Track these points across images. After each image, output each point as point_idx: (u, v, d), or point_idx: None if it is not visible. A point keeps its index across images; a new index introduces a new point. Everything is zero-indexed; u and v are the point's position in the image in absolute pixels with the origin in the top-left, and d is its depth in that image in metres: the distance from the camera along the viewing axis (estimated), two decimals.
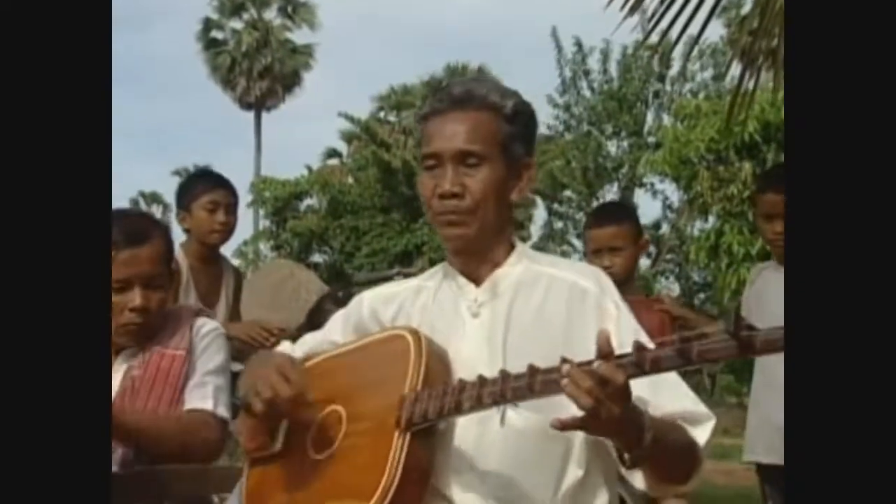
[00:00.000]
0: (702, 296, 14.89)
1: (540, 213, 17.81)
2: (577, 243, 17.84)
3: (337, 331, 1.55)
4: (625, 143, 15.61)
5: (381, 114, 20.43)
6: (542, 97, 15.47)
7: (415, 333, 1.36)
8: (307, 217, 18.70)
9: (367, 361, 1.43)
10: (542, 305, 1.37)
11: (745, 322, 1.03)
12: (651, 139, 14.86)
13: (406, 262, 16.85)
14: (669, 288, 15.32)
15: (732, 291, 8.62)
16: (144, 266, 1.79)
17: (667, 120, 14.14)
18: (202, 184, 2.84)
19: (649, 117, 15.52)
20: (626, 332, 1.32)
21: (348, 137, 20.95)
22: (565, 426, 1.14)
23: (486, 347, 1.36)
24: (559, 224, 17.16)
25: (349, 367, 1.47)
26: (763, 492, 2.92)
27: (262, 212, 20.13)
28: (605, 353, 1.11)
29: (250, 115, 27.91)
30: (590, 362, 1.11)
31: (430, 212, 1.40)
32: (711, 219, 9.99)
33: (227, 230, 2.81)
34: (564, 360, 1.13)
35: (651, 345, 1.28)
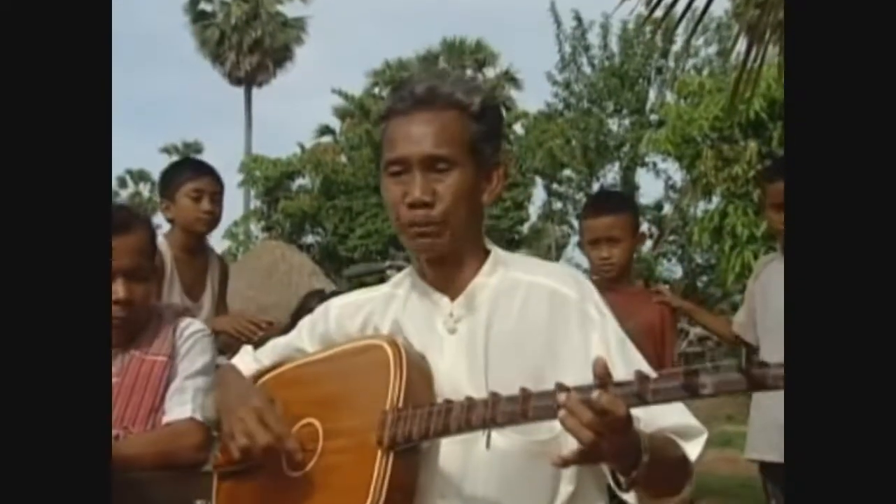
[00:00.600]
0: (705, 278, 14.89)
1: (539, 193, 17.80)
2: (577, 224, 17.80)
3: (304, 339, 1.52)
4: (626, 121, 15.58)
5: (376, 90, 20.30)
6: (542, 74, 15.43)
7: (393, 344, 1.33)
8: (299, 197, 18.66)
9: (343, 372, 1.40)
10: (522, 316, 1.33)
11: (756, 359, 1.03)
12: (654, 117, 14.85)
13: (401, 244, 16.76)
14: (672, 270, 15.33)
15: (736, 274, 8.60)
16: (126, 257, 1.76)
17: (670, 97, 14.06)
18: (186, 171, 2.82)
19: (652, 94, 15.49)
20: (613, 341, 1.30)
21: (342, 114, 20.85)
22: (567, 463, 1.12)
23: (466, 364, 1.33)
24: (558, 204, 17.15)
25: (323, 376, 1.43)
26: (766, 490, 2.92)
27: (252, 191, 20.08)
28: (603, 381, 1.08)
29: (240, 90, 27.75)
30: (587, 389, 1.08)
31: (398, 221, 1.35)
32: (715, 199, 9.93)
33: (213, 219, 2.78)
34: (561, 388, 1.10)
35: (639, 357, 1.30)
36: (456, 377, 1.32)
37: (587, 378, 1.10)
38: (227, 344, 2.64)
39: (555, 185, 16.65)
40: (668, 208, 15.86)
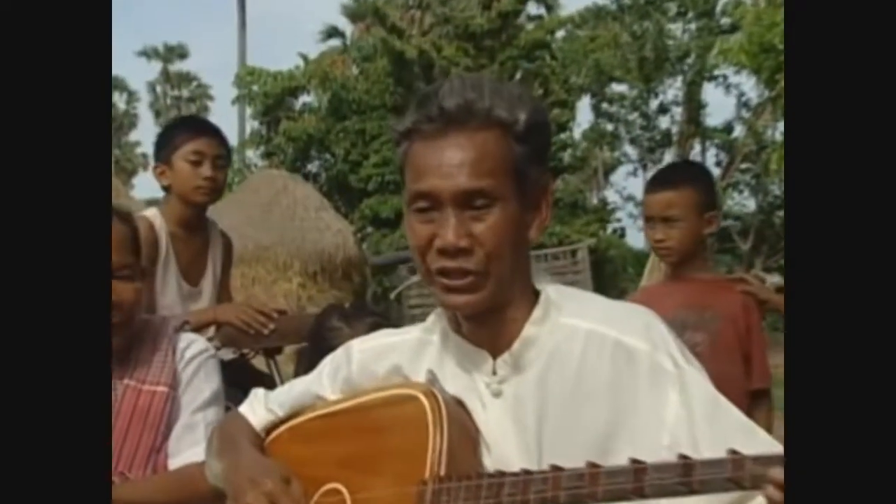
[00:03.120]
0: (782, 214, 14.66)
1: (585, 113, 17.52)
2: (631, 151, 17.66)
3: (325, 385, 1.49)
4: (692, 26, 15.28)
5: None
6: None
7: (430, 394, 1.29)
8: (304, 118, 18.62)
9: (372, 427, 1.38)
10: (580, 375, 1.28)
11: None
12: (725, 21, 14.55)
13: None
14: (743, 204, 15.12)
15: None
16: (112, 253, 1.73)
17: None
18: (185, 131, 2.72)
19: None
20: (698, 399, 1.24)
21: (352, 14, 20.53)
22: None
23: (515, 433, 1.30)
24: (608, 126, 16.96)
25: (348, 432, 1.41)
26: None
27: (249, 110, 20.01)
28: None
29: None
30: (670, 468, 1.04)
31: (425, 267, 1.29)
32: None
33: (214, 187, 2.68)
34: (636, 463, 1.06)
35: (735, 417, 1.22)
36: (503, 447, 1.30)
37: (664, 447, 1.12)
38: (231, 337, 2.59)
39: (604, 104, 16.42)
40: (739, 130, 15.68)
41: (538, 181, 1.30)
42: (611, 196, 20.23)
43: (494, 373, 1.32)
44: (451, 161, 1.25)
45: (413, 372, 1.40)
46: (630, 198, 18.30)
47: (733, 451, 1.02)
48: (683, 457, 1.00)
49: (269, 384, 2.51)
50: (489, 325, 1.32)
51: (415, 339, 1.42)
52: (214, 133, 2.74)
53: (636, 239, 20.70)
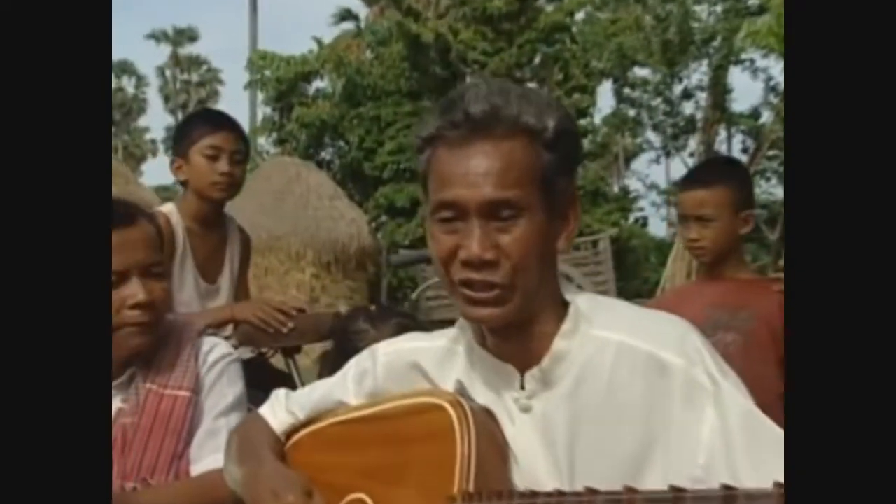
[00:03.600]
0: None
1: (606, 98, 17.44)
2: (654, 137, 17.57)
3: (349, 390, 1.49)
4: (718, 9, 15.15)
5: None
6: None
7: (457, 405, 1.28)
8: (317, 103, 18.62)
9: (396, 436, 1.36)
10: (612, 391, 1.27)
11: None
12: (753, 2, 14.43)
13: None
14: (771, 193, 15.00)
15: None
16: (140, 251, 1.76)
17: None
18: (201, 125, 2.72)
19: None
20: (735, 416, 1.22)
21: None
22: None
23: (544, 449, 1.29)
24: (631, 111, 16.87)
25: (373, 440, 1.40)
26: None
27: (261, 96, 20.02)
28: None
29: None
30: (711, 495, 1.00)
31: (448, 279, 1.28)
32: None
33: (232, 183, 2.69)
34: (675, 491, 1.03)
35: (774, 435, 1.19)
36: (531, 464, 1.29)
37: (699, 466, 1.14)
38: (249, 336, 2.59)
39: (626, 89, 16.32)
40: (767, 116, 15.55)
41: (566, 190, 1.29)
42: (633, 184, 20.16)
43: (522, 387, 1.31)
44: (476, 170, 1.24)
45: (439, 380, 1.39)
46: (653, 186, 18.25)
47: (778, 483, 0.99)
48: (726, 487, 0.99)
49: (288, 384, 2.50)
50: (516, 340, 1.31)
51: (442, 347, 1.42)
52: (232, 127, 2.75)
53: (658, 228, 20.62)
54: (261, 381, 2.17)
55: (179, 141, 2.74)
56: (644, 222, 21.49)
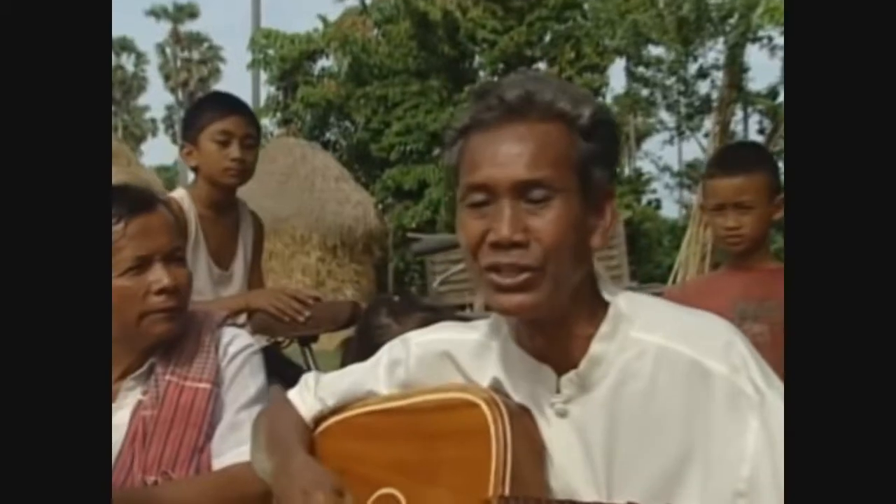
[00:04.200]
0: None
1: (618, 78, 17.35)
2: (667, 118, 17.48)
3: (380, 379, 1.49)
4: None
5: None
6: None
7: (492, 403, 1.27)
8: (323, 83, 18.52)
9: (429, 432, 1.36)
10: (651, 397, 1.25)
11: None
12: None
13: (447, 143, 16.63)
14: None
15: None
16: (162, 236, 1.79)
17: None
18: (211, 109, 2.76)
19: None
20: (778, 427, 1.19)
21: None
22: None
23: (581, 455, 1.29)
24: (644, 91, 16.73)
25: (404, 433, 1.39)
26: None
27: (265, 76, 19.94)
28: None
29: None
30: None
31: (476, 265, 1.26)
32: None
33: (243, 169, 2.71)
34: None
35: None
36: (567, 470, 1.29)
37: (742, 479, 1.14)
38: (264, 325, 2.60)
39: (640, 69, 16.20)
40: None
41: (603, 184, 1.28)
42: (645, 166, 20.09)
43: (559, 391, 1.30)
44: (508, 151, 1.23)
45: (473, 373, 1.39)
46: (666, 168, 18.19)
47: None
48: None
49: (302, 374, 2.51)
50: (552, 339, 1.29)
51: (475, 341, 1.41)
52: (243, 111, 2.75)
53: (671, 210, 20.56)
54: (275, 371, 2.19)
55: (189, 126, 2.75)
56: (657, 205, 21.44)
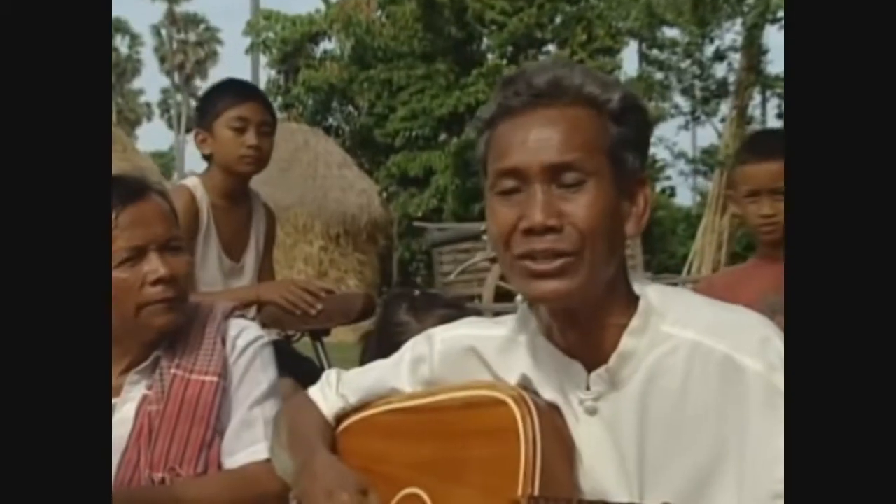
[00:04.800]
0: None
1: (631, 61, 17.34)
2: (682, 102, 17.44)
3: (403, 376, 1.49)
4: None
5: None
6: None
7: (520, 400, 1.28)
8: (325, 66, 18.53)
9: (455, 430, 1.37)
10: (684, 394, 1.26)
11: None
12: None
13: (455, 127, 16.71)
14: None
15: None
16: (156, 225, 1.79)
17: None
18: (226, 96, 2.80)
19: None
20: None
21: None
22: None
23: (612, 454, 1.29)
24: (658, 75, 16.69)
25: (429, 432, 1.41)
26: None
27: (265, 59, 19.98)
28: None
29: None
30: None
31: (508, 255, 1.27)
32: None
33: (260, 156, 2.74)
34: None
35: None
36: (597, 469, 1.29)
37: (777, 480, 1.13)
38: (275, 317, 2.63)
39: (654, 51, 16.21)
40: None
41: (635, 169, 1.29)
42: (660, 152, 20.08)
43: (588, 388, 1.31)
44: (538, 136, 1.25)
45: (500, 369, 1.39)
46: (681, 154, 18.11)
47: None
48: None
49: (313, 369, 2.50)
50: (583, 331, 1.30)
51: (502, 337, 1.42)
52: (260, 98, 2.80)
53: (686, 198, 20.55)
54: (285, 366, 2.17)
55: (204, 113, 2.78)
56: (672, 192, 21.46)
